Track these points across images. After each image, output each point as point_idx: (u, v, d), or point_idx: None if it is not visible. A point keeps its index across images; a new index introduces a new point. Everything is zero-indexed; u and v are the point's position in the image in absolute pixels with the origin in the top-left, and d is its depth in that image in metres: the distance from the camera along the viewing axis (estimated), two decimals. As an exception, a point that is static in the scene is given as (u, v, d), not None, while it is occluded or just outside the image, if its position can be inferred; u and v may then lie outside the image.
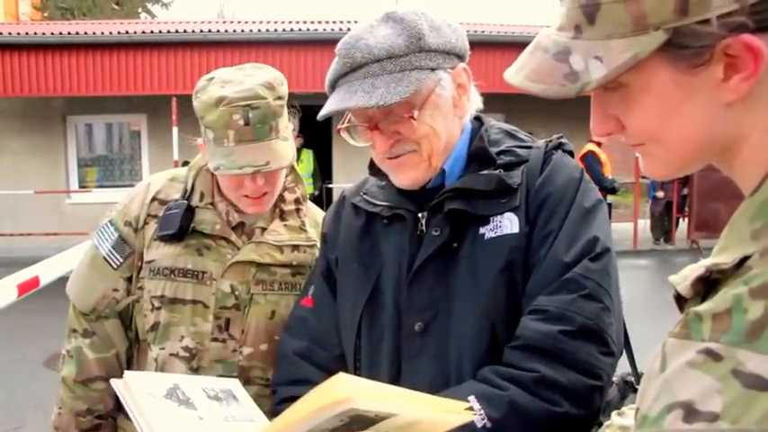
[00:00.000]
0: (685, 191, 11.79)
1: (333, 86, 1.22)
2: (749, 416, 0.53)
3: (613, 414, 1.03)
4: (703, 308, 0.60)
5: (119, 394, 1.19)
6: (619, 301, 1.19)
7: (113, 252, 1.65)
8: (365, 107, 1.15)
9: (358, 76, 1.17)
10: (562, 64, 0.69)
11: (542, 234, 1.19)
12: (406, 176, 1.25)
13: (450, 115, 1.24)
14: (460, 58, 1.26)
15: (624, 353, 1.29)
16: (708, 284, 0.65)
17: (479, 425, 1.06)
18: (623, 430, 0.96)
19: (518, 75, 0.73)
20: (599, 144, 8.93)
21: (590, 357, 1.11)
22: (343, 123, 1.26)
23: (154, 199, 1.66)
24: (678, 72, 0.66)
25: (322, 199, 11.05)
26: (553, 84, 0.70)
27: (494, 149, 1.27)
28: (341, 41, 1.20)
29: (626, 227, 12.05)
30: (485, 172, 1.24)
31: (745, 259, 0.61)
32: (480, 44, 10.98)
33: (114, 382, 1.21)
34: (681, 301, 0.69)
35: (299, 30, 11.55)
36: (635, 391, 1.28)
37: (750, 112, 0.66)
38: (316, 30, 11.64)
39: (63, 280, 1.77)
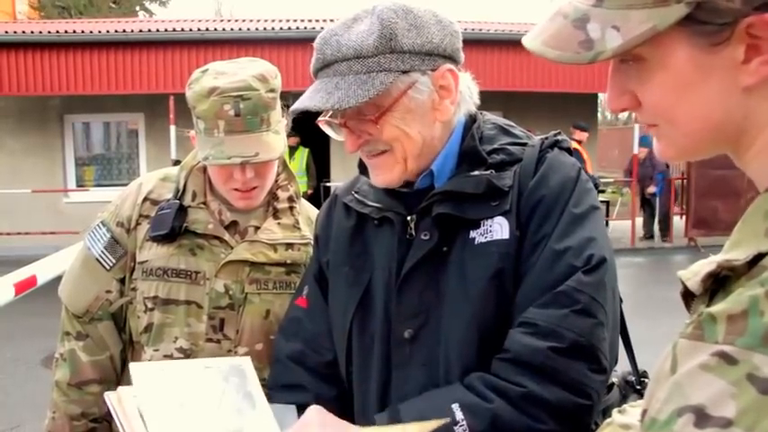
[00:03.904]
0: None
1: (315, 77, 1.20)
2: (765, 423, 0.51)
3: (614, 411, 0.98)
4: (717, 309, 0.58)
5: (110, 408, 1.16)
6: (615, 311, 1.15)
7: (106, 253, 1.64)
8: (322, 109, 1.12)
9: (328, 73, 1.14)
10: (579, 31, 0.67)
11: (534, 241, 1.14)
12: (381, 177, 1.22)
13: (427, 119, 1.18)
14: (448, 58, 1.18)
15: (625, 352, 1.27)
16: (716, 282, 0.62)
17: None
18: (624, 429, 0.93)
19: (536, 40, 0.71)
20: (580, 142, 9.66)
21: (580, 375, 1.06)
22: (323, 116, 1.23)
23: (146, 199, 1.64)
24: (696, 50, 0.64)
25: (319, 197, 11.02)
26: (568, 50, 0.68)
27: (486, 147, 1.22)
28: (320, 33, 1.18)
29: (624, 224, 12.05)
30: (475, 173, 1.19)
31: (758, 257, 0.58)
32: (479, 42, 10.95)
33: (107, 396, 1.18)
34: (687, 298, 0.67)
35: (297, 28, 11.51)
36: (636, 391, 1.26)
37: None
38: (314, 28, 11.60)
39: (60, 279, 1.75)
